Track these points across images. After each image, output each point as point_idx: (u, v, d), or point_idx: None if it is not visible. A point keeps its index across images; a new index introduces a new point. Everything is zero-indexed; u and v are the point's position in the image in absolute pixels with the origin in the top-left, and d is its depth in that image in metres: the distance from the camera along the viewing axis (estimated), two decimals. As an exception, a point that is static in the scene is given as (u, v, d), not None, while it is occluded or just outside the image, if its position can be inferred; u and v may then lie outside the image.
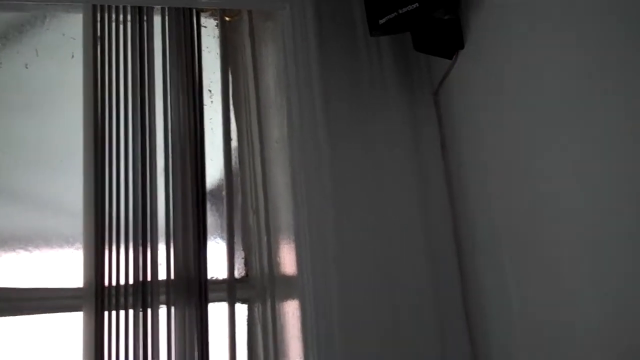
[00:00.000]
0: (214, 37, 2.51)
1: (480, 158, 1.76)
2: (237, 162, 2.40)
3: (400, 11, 1.74)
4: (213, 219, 2.29)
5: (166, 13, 2.29)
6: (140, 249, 2.09)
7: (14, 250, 2.18)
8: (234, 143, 2.41)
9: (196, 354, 2.06)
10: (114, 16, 2.27)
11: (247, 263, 2.31)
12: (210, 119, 2.43)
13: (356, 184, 1.96)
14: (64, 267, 2.18)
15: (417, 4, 1.72)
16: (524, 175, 1.55)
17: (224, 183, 2.32)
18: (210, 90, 2.46)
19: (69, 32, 2.39)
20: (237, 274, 2.27)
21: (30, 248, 2.19)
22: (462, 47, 1.78)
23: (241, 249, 2.32)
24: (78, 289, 2.05)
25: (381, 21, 1.78)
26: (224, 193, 2.32)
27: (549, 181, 1.45)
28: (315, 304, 1.90)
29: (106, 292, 2.02)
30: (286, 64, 2.08)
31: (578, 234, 1.37)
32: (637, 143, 1.18)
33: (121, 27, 2.28)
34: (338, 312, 1.86)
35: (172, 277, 2.11)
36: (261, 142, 2.34)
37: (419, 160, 1.96)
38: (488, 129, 1.71)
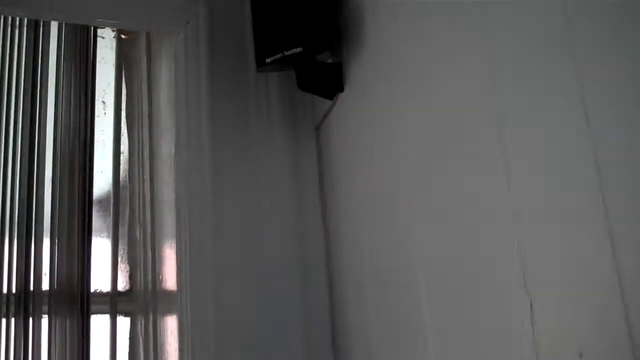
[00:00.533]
0: (111, 48, 2.55)
1: (351, 192, 1.88)
2: (127, 175, 2.47)
3: (285, 53, 1.85)
4: (99, 231, 2.34)
5: (63, 23, 2.33)
6: (24, 258, 2.14)
7: None
8: (124, 156, 2.47)
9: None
10: (10, 21, 2.30)
11: (131, 277, 2.38)
12: (103, 130, 2.48)
13: (236, 207, 2.05)
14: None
15: (300, 48, 1.83)
16: (387, 216, 1.67)
17: (112, 195, 2.38)
18: (104, 102, 2.50)
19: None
20: (121, 287, 2.34)
21: None
22: (341, 90, 1.90)
23: (126, 262, 2.38)
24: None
25: (267, 60, 1.88)
26: (111, 205, 2.38)
27: (407, 228, 1.57)
28: (192, 318, 1.98)
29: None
30: (177, 86, 2.15)
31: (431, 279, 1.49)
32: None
33: (17, 32, 2.32)
34: (214, 327, 1.94)
35: (55, 287, 2.17)
36: (151, 157, 2.41)
37: (297, 188, 2.06)
38: (359, 167, 1.82)
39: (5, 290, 2.10)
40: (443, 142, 1.41)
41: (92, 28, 2.41)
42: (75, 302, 2.18)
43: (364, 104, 1.80)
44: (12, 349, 2.06)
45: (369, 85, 1.79)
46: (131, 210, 2.41)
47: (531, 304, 1.11)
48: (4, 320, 2.07)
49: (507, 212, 1.17)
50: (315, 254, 2.04)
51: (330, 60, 1.92)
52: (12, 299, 2.10)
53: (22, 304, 2.11)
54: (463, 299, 1.33)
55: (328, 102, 1.98)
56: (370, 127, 1.76)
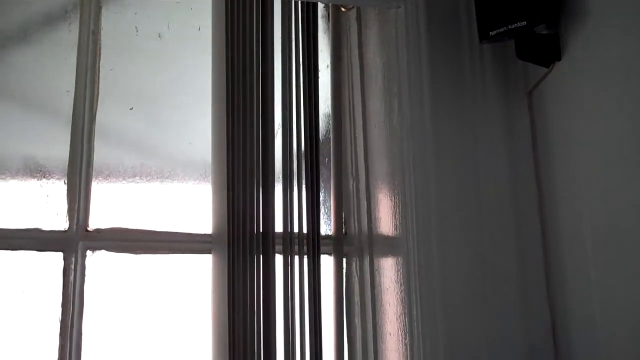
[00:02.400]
0: (323, 17, 2.87)
1: (566, 158, 2.16)
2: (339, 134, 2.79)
3: (509, 26, 2.13)
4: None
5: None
6: (261, 202, 2.50)
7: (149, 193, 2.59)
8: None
9: (307, 297, 2.48)
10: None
11: (346, 222, 2.72)
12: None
13: (454, 161, 2.36)
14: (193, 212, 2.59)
15: (525, 22, 2.11)
16: (605, 180, 1.93)
17: (331, 153, 2.73)
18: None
19: (196, 6, 2.77)
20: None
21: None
22: (559, 58, 2.17)
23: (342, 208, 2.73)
24: (207, 234, 2.47)
25: (491, 33, 2.17)
26: (331, 156, 2.73)
27: (630, 189, 1.82)
28: (418, 261, 2.31)
29: (234, 239, 2.41)
30: (398, 55, 2.46)
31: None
32: None
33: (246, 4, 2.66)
34: (438, 269, 2.27)
35: (288, 230, 2.52)
36: (363, 116, 2.73)
37: (510, 148, 2.35)
38: (575, 134, 2.10)
39: (249, 230, 2.45)
40: None
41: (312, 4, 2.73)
42: (304, 243, 2.53)
43: (582, 73, 2.06)
44: (255, 282, 2.43)
45: (587, 56, 2.05)
46: (344, 164, 2.74)
47: None
48: (248, 258, 2.42)
49: None
50: (528, 211, 2.33)
51: (545, 32, 2.18)
52: (255, 239, 2.45)
53: (262, 243, 2.47)
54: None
55: (541, 70, 2.25)
56: (590, 95, 2.02)
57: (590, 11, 2.07)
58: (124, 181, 2.56)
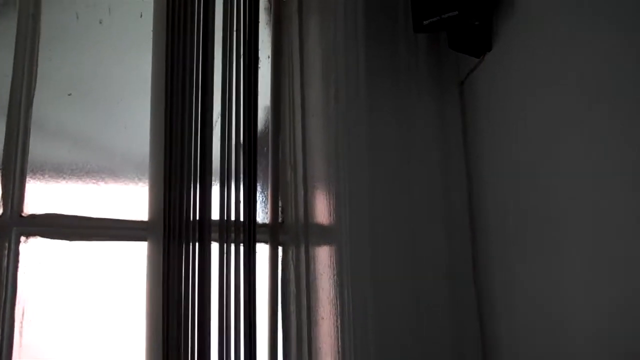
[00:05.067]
0: (265, 8, 2.93)
1: (495, 148, 2.25)
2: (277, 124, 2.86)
3: (442, 16, 2.22)
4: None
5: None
6: (198, 190, 2.54)
7: (85, 183, 2.62)
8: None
9: (242, 285, 2.53)
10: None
11: (283, 211, 2.78)
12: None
13: (387, 150, 2.44)
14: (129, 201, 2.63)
15: (457, 12, 2.19)
16: (534, 170, 2.02)
17: (269, 142, 2.79)
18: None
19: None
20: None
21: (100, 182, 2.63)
22: (490, 49, 2.26)
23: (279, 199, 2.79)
24: (143, 221, 2.51)
25: (425, 22, 2.25)
26: (269, 148, 2.79)
27: (560, 179, 1.91)
28: (350, 248, 2.39)
29: (170, 226, 2.46)
30: (334, 42, 2.53)
31: (583, 232, 1.83)
32: None
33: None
34: (370, 257, 2.34)
35: (225, 217, 2.58)
36: (302, 107, 2.79)
37: (442, 136, 2.44)
38: (504, 122, 2.19)
39: (184, 218, 2.49)
40: (594, 99, 1.75)
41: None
42: (240, 231, 2.58)
43: (512, 63, 2.15)
44: (191, 270, 2.47)
45: (517, 46, 2.14)
46: (282, 154, 2.81)
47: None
48: (183, 245, 2.47)
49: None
50: (459, 202, 2.41)
51: (477, 23, 2.27)
52: (190, 226, 2.50)
53: (198, 231, 2.52)
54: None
55: (473, 60, 2.33)
56: (520, 85, 2.11)
57: (519, 2, 2.15)
58: (60, 172, 2.58)
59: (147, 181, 2.55)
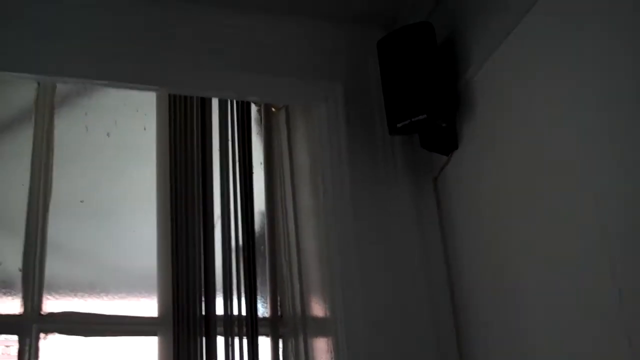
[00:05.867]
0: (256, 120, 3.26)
1: (467, 235, 2.53)
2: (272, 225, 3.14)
3: (413, 119, 2.51)
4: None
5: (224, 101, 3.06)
6: (203, 288, 2.82)
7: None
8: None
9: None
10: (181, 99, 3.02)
11: (281, 305, 3.02)
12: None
13: (373, 245, 2.68)
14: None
15: (425, 115, 2.49)
16: (505, 260, 2.29)
17: (266, 242, 3.06)
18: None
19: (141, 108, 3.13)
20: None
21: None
22: (456, 147, 2.56)
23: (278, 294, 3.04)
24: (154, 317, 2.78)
25: (398, 125, 2.54)
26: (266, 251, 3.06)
27: (524, 277, 2.19)
28: (346, 339, 2.60)
29: (179, 321, 2.73)
30: (322, 148, 2.82)
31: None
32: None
33: (187, 109, 3.04)
34: (366, 343, 2.57)
35: (229, 313, 2.84)
36: (294, 208, 3.08)
37: (421, 230, 2.69)
38: (473, 214, 2.48)
39: (191, 314, 2.76)
40: (547, 192, 2.04)
41: (246, 104, 3.12)
42: (243, 325, 2.83)
43: (476, 160, 2.45)
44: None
45: (478, 145, 2.44)
46: (278, 252, 3.08)
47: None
48: (191, 339, 2.72)
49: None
50: (439, 283, 2.65)
51: (444, 125, 2.57)
52: (197, 321, 2.76)
53: (204, 325, 2.77)
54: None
55: (444, 158, 2.62)
56: (485, 179, 2.39)
57: (477, 106, 2.47)
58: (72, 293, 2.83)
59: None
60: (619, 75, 1.80)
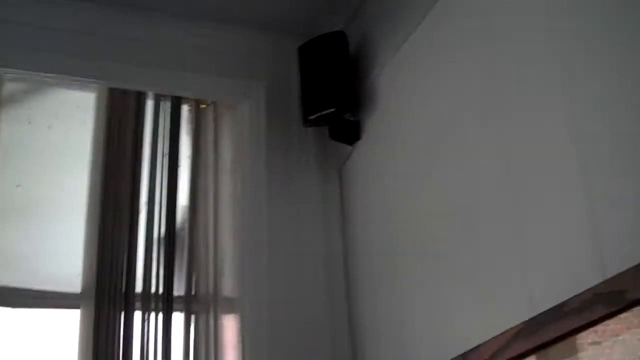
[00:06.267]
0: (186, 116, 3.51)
1: (363, 222, 2.82)
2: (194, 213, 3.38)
3: (322, 112, 2.81)
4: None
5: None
6: (125, 265, 3.03)
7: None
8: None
9: (160, 349, 2.98)
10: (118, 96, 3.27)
11: (197, 284, 3.25)
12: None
13: (284, 227, 2.96)
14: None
15: (334, 109, 2.79)
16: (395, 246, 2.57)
17: (187, 229, 3.30)
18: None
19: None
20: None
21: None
22: (359, 138, 2.86)
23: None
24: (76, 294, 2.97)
25: (310, 117, 2.84)
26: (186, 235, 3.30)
27: (410, 257, 2.46)
28: (251, 316, 2.88)
29: (100, 296, 2.92)
30: (243, 141, 3.10)
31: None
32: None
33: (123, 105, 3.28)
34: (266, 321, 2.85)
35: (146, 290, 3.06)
36: (215, 198, 3.32)
37: (326, 219, 3.00)
38: (368, 201, 2.77)
39: (112, 289, 2.97)
40: (437, 182, 2.32)
41: (179, 98, 3.38)
42: (160, 301, 3.06)
43: (374, 150, 2.74)
44: (116, 336, 2.92)
45: (377, 137, 2.73)
46: (197, 237, 3.31)
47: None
48: (111, 313, 2.93)
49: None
50: (336, 271, 2.95)
51: (351, 118, 2.87)
52: (118, 296, 2.97)
53: (124, 301, 2.98)
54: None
55: (349, 150, 2.92)
56: (381, 168, 2.68)
57: (379, 102, 2.77)
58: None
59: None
60: (501, 68, 2.08)
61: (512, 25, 1.97)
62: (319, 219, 2.99)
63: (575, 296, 1.50)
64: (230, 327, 3.07)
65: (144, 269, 3.09)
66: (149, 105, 3.31)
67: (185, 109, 3.47)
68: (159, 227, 3.18)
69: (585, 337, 1.50)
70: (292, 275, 2.91)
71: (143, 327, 2.99)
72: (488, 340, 1.79)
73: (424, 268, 2.32)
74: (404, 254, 2.46)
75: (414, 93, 2.54)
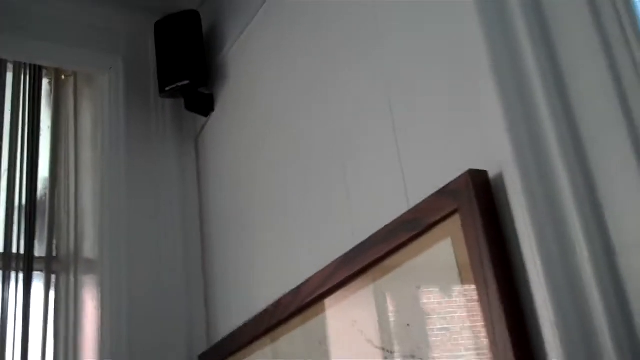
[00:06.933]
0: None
1: (217, 190, 3.09)
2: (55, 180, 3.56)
3: (178, 84, 3.06)
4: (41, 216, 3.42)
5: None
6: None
7: None
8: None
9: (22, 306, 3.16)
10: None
11: (58, 247, 3.44)
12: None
13: (142, 196, 3.19)
14: None
15: (188, 81, 3.04)
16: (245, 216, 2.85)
17: (48, 194, 3.48)
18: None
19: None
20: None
21: None
22: (213, 110, 3.13)
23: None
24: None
25: (167, 88, 3.08)
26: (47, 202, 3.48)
27: (258, 219, 2.74)
28: (110, 277, 3.09)
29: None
30: (102, 110, 3.31)
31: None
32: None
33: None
34: (124, 282, 3.07)
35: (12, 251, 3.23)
36: (76, 164, 3.52)
37: (183, 188, 3.27)
38: (226, 166, 3.04)
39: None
40: (277, 153, 2.61)
41: (39, 69, 3.55)
42: (20, 261, 3.23)
43: (226, 121, 3.02)
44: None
45: (231, 109, 3.01)
46: (58, 201, 3.50)
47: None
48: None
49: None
50: (193, 235, 3.22)
51: (206, 92, 3.13)
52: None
53: None
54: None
55: (204, 120, 3.18)
56: (231, 138, 2.96)
57: (230, 76, 3.05)
58: None
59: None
60: (331, 44, 2.41)
61: (343, 10, 2.28)
62: (177, 184, 3.24)
63: (386, 226, 1.82)
64: (90, 286, 3.28)
65: (5, 233, 3.26)
66: (9, 76, 3.47)
67: (45, 82, 3.65)
68: (20, 194, 3.35)
69: (391, 261, 1.82)
70: (150, 237, 3.15)
71: (4, 286, 3.16)
72: (317, 272, 2.09)
73: (267, 220, 2.61)
74: (250, 211, 2.75)
75: (258, 69, 2.82)
